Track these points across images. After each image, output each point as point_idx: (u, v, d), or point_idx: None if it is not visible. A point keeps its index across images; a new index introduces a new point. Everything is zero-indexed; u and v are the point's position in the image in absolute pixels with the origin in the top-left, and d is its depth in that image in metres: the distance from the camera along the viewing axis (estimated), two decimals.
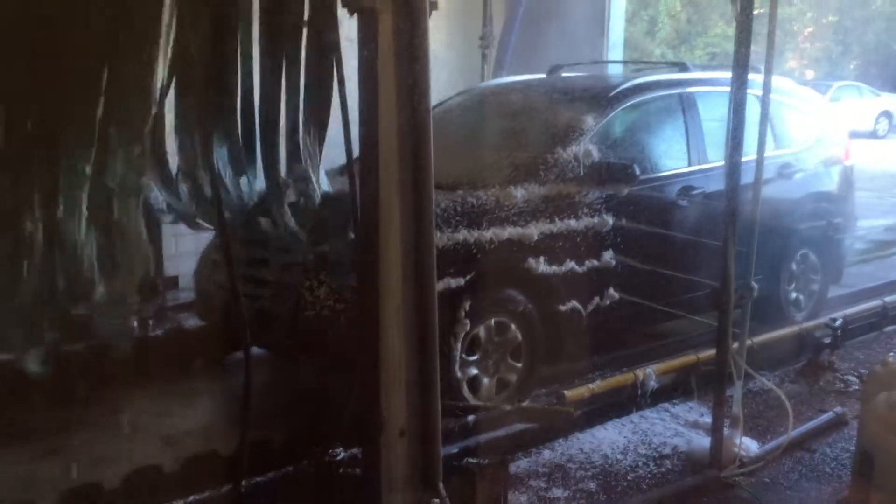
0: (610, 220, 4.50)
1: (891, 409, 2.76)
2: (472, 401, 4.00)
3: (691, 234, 4.90)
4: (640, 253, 4.66)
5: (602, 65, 6.78)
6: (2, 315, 2.19)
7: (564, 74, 5.82)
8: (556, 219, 4.31)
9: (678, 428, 4.11)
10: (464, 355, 4.01)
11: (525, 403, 3.88)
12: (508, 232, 4.12)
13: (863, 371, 4.76)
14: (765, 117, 3.69)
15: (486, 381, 4.16)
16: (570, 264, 4.34)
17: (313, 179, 2.65)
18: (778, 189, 5.29)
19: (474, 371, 4.11)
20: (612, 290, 4.56)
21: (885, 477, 2.76)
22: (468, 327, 3.97)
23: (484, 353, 4.14)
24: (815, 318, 5.50)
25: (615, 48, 10.76)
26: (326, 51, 2.52)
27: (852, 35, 28.71)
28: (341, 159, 2.72)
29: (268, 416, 3.60)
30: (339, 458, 2.90)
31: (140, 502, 3.07)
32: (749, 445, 3.78)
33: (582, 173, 4.46)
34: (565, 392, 4.00)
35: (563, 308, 4.38)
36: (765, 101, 3.66)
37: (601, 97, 4.81)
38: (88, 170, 2.20)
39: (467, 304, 3.94)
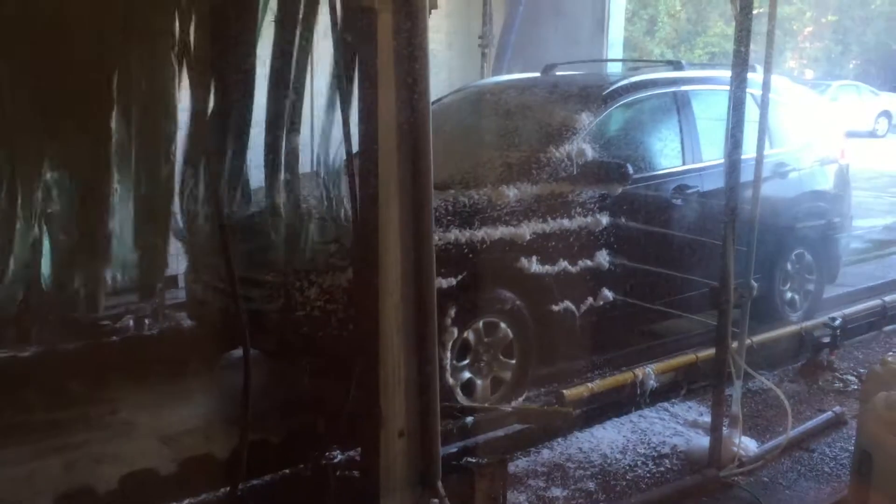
0: (603, 219, 4.47)
1: (889, 409, 2.76)
2: (468, 402, 3.99)
3: (686, 233, 4.89)
4: (634, 252, 4.64)
5: (596, 63, 6.72)
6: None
7: (559, 73, 5.78)
8: (549, 218, 4.28)
9: (677, 427, 4.11)
10: (455, 361, 3.98)
11: (522, 403, 3.88)
12: (500, 232, 4.08)
13: (862, 370, 4.76)
14: (764, 116, 3.69)
15: (479, 382, 4.14)
16: (563, 264, 4.32)
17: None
18: (772, 188, 5.27)
19: (467, 375, 4.09)
20: (605, 291, 4.54)
21: (884, 476, 2.76)
22: (455, 335, 3.95)
23: (475, 355, 4.11)
24: (811, 319, 5.49)
25: (615, 47, 10.76)
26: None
27: (852, 34, 28.71)
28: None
29: (259, 418, 3.59)
30: (336, 460, 2.89)
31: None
32: (748, 445, 3.78)
33: (575, 172, 4.43)
34: (564, 391, 4.00)
35: (554, 307, 4.35)
36: (764, 100, 3.66)
37: (595, 96, 4.78)
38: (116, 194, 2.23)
39: (453, 311, 3.91)
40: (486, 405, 3.98)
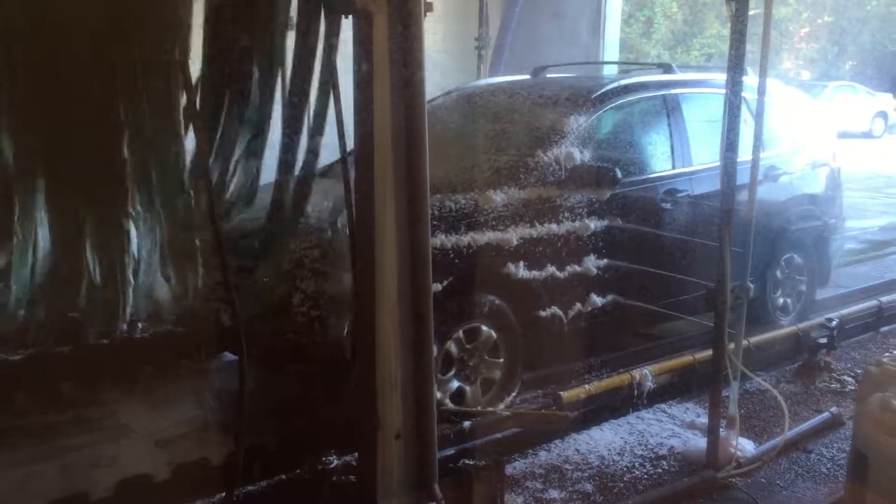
0: (592, 224, 4.43)
1: (884, 410, 2.76)
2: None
3: (676, 237, 4.85)
4: (623, 256, 4.60)
5: (587, 65, 6.68)
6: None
7: (549, 75, 5.73)
8: (537, 223, 4.24)
9: (675, 429, 4.11)
10: (440, 375, 3.94)
11: (517, 405, 3.87)
12: (487, 236, 4.04)
13: (859, 371, 4.77)
14: (759, 118, 3.69)
15: (468, 389, 4.11)
16: (551, 269, 4.29)
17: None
18: (763, 191, 5.23)
19: (455, 384, 4.06)
20: (594, 296, 4.51)
21: (880, 477, 2.76)
22: (435, 352, 3.93)
23: (460, 363, 4.07)
24: (803, 322, 5.46)
25: (611, 49, 10.78)
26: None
27: (848, 35, 28.75)
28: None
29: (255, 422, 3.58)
30: (332, 464, 2.89)
31: None
32: (745, 446, 3.78)
33: (563, 176, 4.40)
34: (562, 393, 4.00)
35: (542, 312, 4.32)
36: (760, 103, 3.66)
37: (583, 99, 4.73)
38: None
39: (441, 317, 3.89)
40: (483, 409, 3.98)
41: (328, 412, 3.61)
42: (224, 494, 2.81)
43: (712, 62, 23.96)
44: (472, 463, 2.94)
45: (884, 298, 5.84)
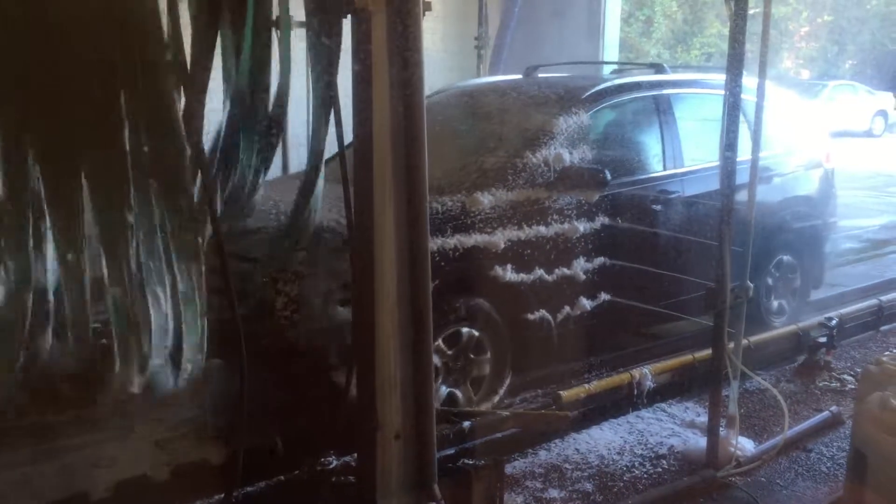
0: (580, 225, 4.40)
1: (883, 409, 2.76)
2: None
3: (667, 239, 4.83)
4: (613, 258, 4.57)
5: (580, 65, 6.62)
6: None
7: (541, 75, 5.70)
8: (525, 225, 4.21)
9: (675, 428, 4.11)
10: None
11: (515, 403, 3.87)
12: (474, 239, 4.01)
13: (859, 370, 4.76)
14: (759, 116, 3.69)
15: (459, 393, 4.10)
16: (539, 272, 4.26)
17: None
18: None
19: (444, 389, 4.05)
20: (583, 299, 4.48)
21: (879, 476, 2.76)
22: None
23: (445, 369, 4.05)
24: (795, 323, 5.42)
25: (611, 48, 10.81)
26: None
27: (848, 34, 28.75)
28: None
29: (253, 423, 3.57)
30: (331, 465, 2.89)
31: None
32: (745, 445, 3.78)
33: (552, 178, 4.37)
34: (561, 393, 4.00)
35: (530, 316, 4.31)
36: (759, 100, 3.66)
37: (573, 99, 4.69)
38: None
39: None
40: (482, 409, 3.98)
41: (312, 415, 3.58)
42: (223, 495, 2.80)
43: (712, 61, 23.97)
44: (471, 463, 2.94)
45: (884, 297, 5.85)
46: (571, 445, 3.90)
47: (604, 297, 4.58)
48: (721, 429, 3.66)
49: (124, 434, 3.73)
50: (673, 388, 4.48)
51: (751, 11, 3.44)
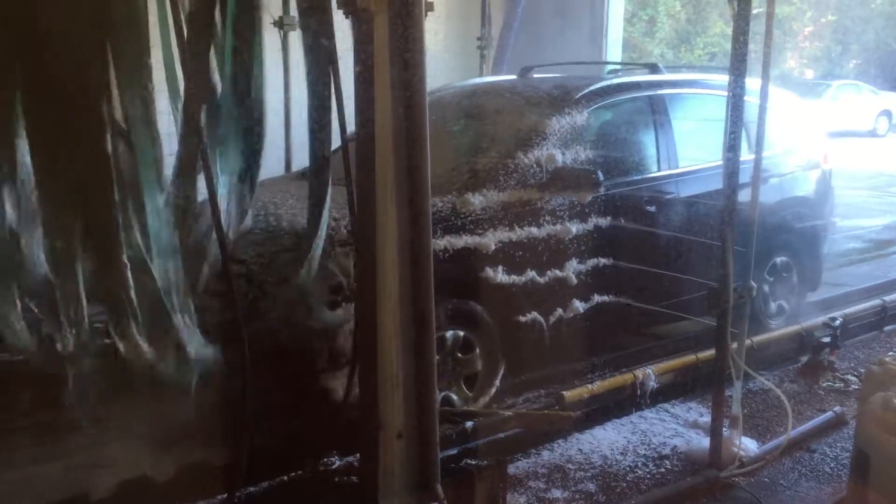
0: (573, 227, 4.37)
1: (886, 409, 2.76)
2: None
3: (661, 240, 4.80)
4: (607, 260, 4.54)
5: (575, 65, 6.58)
6: None
7: (536, 75, 5.65)
8: (516, 227, 4.18)
9: (677, 428, 4.11)
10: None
11: (517, 404, 3.87)
12: (464, 241, 3.98)
13: (862, 370, 4.76)
14: (762, 119, 3.68)
15: (454, 396, 4.09)
16: (531, 274, 4.23)
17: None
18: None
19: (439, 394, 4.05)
20: (576, 302, 4.46)
21: (881, 476, 2.76)
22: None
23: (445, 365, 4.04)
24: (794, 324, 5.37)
25: (614, 48, 10.79)
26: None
27: (852, 34, 28.68)
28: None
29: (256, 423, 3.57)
30: (334, 465, 2.89)
31: None
32: (748, 445, 3.78)
33: (544, 179, 4.33)
34: (564, 393, 4.00)
35: (522, 318, 4.28)
36: (762, 104, 3.65)
37: (566, 99, 4.65)
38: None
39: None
40: (485, 409, 3.98)
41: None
42: (226, 496, 2.81)
43: (716, 61, 23.91)
44: (474, 463, 2.95)
45: (887, 297, 5.83)
46: (574, 446, 3.90)
47: (597, 298, 4.55)
48: (724, 429, 3.65)
49: (126, 434, 3.73)
50: (676, 389, 4.47)
51: (754, 11, 3.43)
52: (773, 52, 3.65)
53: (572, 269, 4.41)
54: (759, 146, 3.69)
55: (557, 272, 4.35)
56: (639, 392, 4.28)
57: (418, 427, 2.56)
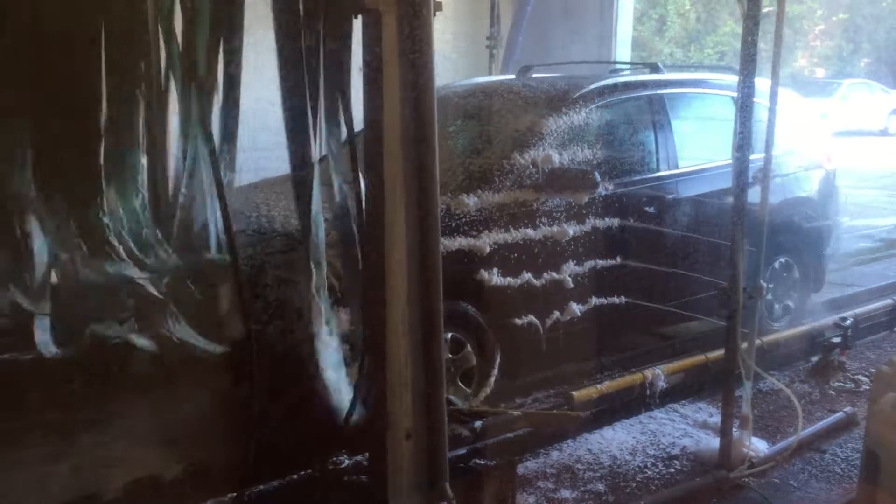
0: (570, 228, 4.35)
1: None
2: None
3: (660, 241, 4.78)
4: (604, 261, 4.52)
5: (575, 65, 6.55)
6: None
7: (535, 75, 5.63)
8: (512, 228, 4.16)
9: (687, 428, 4.10)
10: None
11: (526, 404, 3.86)
12: (459, 242, 3.96)
13: (873, 370, 4.73)
14: (772, 120, 3.67)
15: (452, 397, 4.07)
16: (527, 275, 4.21)
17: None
18: (752, 195, 5.11)
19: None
20: (573, 305, 4.43)
21: (892, 477, 2.74)
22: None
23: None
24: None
25: (623, 47, 10.78)
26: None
27: (863, 32, 28.53)
28: None
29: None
30: (343, 465, 2.89)
31: None
32: (758, 446, 3.77)
33: (541, 180, 4.30)
34: (573, 393, 3.99)
35: (518, 321, 4.25)
36: (772, 107, 3.64)
37: (564, 99, 4.63)
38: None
39: None
40: (494, 409, 3.97)
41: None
42: (235, 494, 2.81)
43: (726, 60, 23.83)
44: (483, 463, 2.94)
45: None
46: (583, 446, 3.89)
47: (595, 300, 4.52)
48: (734, 429, 3.64)
49: (133, 432, 3.74)
50: (686, 389, 4.47)
51: (765, 10, 3.42)
52: (784, 50, 3.63)
53: (569, 271, 4.39)
54: (768, 145, 3.68)
55: (554, 274, 4.33)
56: (648, 392, 4.28)
57: (427, 427, 2.56)
